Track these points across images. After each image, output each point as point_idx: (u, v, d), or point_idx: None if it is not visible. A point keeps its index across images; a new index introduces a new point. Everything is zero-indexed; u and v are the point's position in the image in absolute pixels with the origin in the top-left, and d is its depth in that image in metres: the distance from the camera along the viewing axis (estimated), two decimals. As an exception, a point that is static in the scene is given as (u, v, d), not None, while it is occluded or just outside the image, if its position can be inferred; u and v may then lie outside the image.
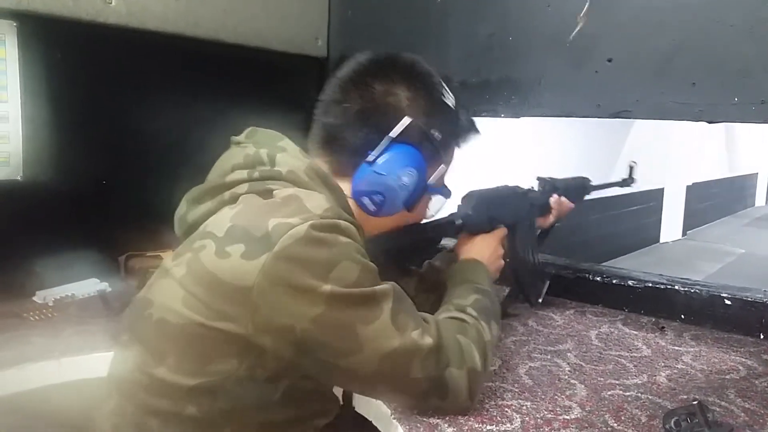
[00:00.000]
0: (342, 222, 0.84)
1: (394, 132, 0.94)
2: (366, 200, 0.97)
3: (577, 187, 1.54)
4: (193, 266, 0.84)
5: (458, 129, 1.04)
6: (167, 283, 0.87)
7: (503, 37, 1.66)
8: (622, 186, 1.66)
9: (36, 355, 1.16)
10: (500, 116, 1.68)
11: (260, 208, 0.85)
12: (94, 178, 1.61)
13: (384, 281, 0.87)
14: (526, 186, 1.45)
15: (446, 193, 1.08)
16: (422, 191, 1.00)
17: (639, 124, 6.32)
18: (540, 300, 1.50)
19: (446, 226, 1.26)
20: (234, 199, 0.89)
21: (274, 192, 0.87)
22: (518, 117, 1.67)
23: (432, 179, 1.01)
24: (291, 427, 0.90)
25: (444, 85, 1.02)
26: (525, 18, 1.63)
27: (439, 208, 1.12)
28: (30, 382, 1.13)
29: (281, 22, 1.91)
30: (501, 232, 1.28)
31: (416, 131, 0.96)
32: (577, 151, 5.51)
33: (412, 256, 1.26)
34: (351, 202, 0.97)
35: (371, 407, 1.06)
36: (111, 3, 1.54)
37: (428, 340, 0.87)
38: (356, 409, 1.11)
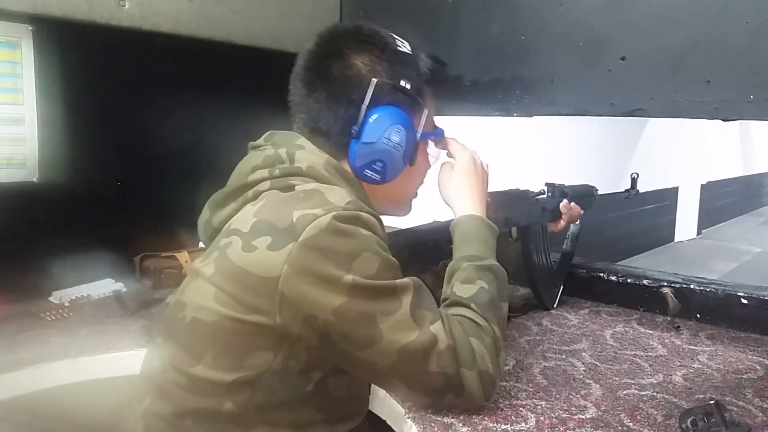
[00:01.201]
0: (364, 214, 0.86)
1: (366, 99, 0.95)
2: (369, 173, 0.99)
3: (584, 195, 1.55)
4: (221, 264, 0.86)
5: (423, 70, 1.03)
6: (198, 283, 0.89)
7: (515, 36, 1.65)
8: (626, 197, 1.66)
9: (53, 354, 1.17)
10: (513, 115, 1.68)
11: (283, 201, 0.87)
12: (109, 180, 1.63)
13: (405, 276, 0.89)
14: (534, 190, 1.46)
15: (439, 132, 1.10)
16: (416, 142, 1.02)
17: (653, 122, 6.28)
18: (554, 305, 1.52)
19: None
20: (256, 197, 0.91)
21: (296, 187, 0.89)
22: (531, 116, 1.66)
23: (420, 127, 1.02)
24: (319, 429, 0.91)
25: (394, 35, 1.02)
26: (537, 16, 1.63)
27: (439, 153, 1.13)
28: (47, 382, 1.14)
29: (293, 23, 1.92)
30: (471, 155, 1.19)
31: (386, 89, 0.97)
32: (591, 151, 5.49)
33: (431, 255, 1.26)
34: (364, 186, 1.00)
35: (385, 407, 1.06)
36: (124, 6, 1.55)
37: (444, 340, 0.88)
38: (371, 409, 1.11)
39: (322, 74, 0.97)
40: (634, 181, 1.65)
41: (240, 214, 0.90)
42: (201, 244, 1.68)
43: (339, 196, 0.87)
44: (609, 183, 6.11)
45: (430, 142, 1.10)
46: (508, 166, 4.46)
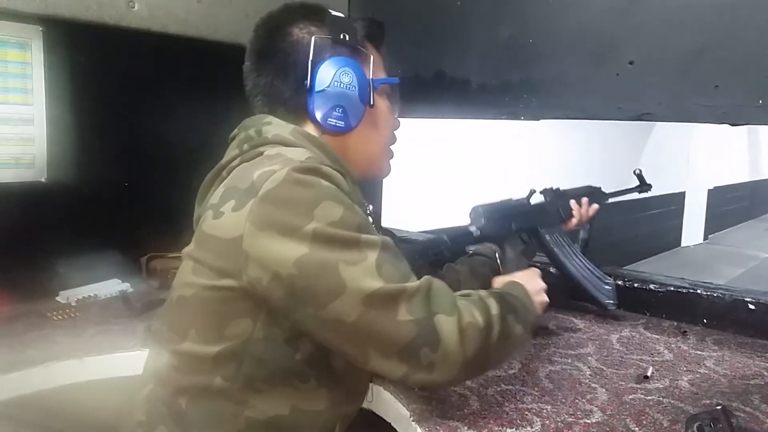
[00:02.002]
0: (323, 167, 0.86)
1: (310, 55, 0.98)
2: (332, 121, 0.99)
3: (588, 194, 1.53)
4: (198, 238, 0.89)
5: (361, 29, 1.05)
6: (183, 264, 0.92)
7: (523, 39, 1.65)
8: (640, 192, 1.64)
9: (60, 354, 1.18)
10: (520, 119, 1.67)
11: (248, 167, 0.89)
12: (117, 180, 1.63)
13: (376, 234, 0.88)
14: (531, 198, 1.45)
15: (394, 80, 1.10)
16: (369, 84, 1.03)
17: (659, 127, 6.26)
18: (616, 300, 1.47)
19: (463, 237, 1.27)
20: (229, 173, 0.93)
21: (263, 153, 0.91)
22: (538, 119, 1.66)
23: (370, 72, 1.04)
24: (318, 417, 0.91)
25: (320, 5, 1.06)
26: (545, 20, 1.63)
27: (398, 97, 1.12)
28: (54, 381, 1.14)
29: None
30: (535, 270, 1.20)
31: (327, 43, 1.00)
32: (597, 156, 5.47)
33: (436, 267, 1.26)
34: (335, 147, 1.00)
35: (390, 409, 1.06)
36: (134, 7, 1.56)
37: (415, 284, 0.85)
38: (375, 411, 1.11)
39: (265, 52, 1.01)
40: (640, 177, 1.65)
41: (215, 191, 0.92)
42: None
43: (299, 153, 0.89)
44: (615, 188, 6.10)
45: (388, 96, 1.10)
46: (512, 171, 4.46)
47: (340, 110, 1.00)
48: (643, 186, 1.65)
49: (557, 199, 1.48)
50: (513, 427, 0.94)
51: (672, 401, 1.05)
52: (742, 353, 1.28)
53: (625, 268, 1.61)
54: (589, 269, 1.48)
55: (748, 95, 1.31)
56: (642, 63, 1.45)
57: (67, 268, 1.48)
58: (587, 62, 1.54)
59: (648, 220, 6.83)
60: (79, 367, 1.18)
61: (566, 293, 1.53)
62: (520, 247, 1.35)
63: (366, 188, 2.22)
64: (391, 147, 1.12)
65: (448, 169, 3.73)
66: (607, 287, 1.47)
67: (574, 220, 1.48)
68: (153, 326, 0.97)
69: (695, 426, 0.90)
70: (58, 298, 1.46)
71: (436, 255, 1.25)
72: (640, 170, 1.66)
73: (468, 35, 1.78)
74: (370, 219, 0.98)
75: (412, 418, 0.98)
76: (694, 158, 7.56)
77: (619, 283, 1.56)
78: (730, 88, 1.33)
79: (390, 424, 1.07)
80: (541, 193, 1.48)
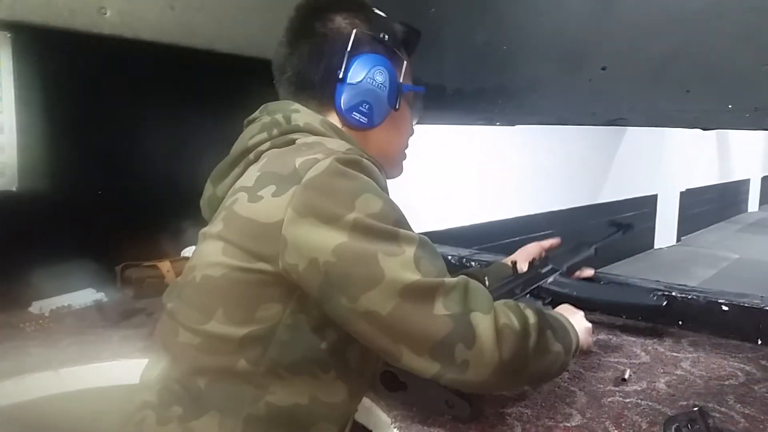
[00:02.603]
0: (364, 160, 0.88)
1: (349, 46, 0.99)
2: (356, 115, 1.01)
3: (582, 263, 1.54)
4: (228, 219, 0.87)
5: (399, 33, 1.08)
6: (206, 244, 0.90)
7: (498, 45, 1.67)
8: (624, 233, 1.66)
9: (33, 365, 1.16)
10: (496, 124, 1.69)
11: (286, 152, 0.89)
12: (90, 189, 1.61)
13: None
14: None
15: (421, 88, 1.13)
16: (398, 88, 1.05)
17: (632, 131, 6.35)
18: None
19: None
20: (258, 157, 0.93)
21: (297, 141, 0.92)
22: (513, 125, 1.67)
23: (402, 76, 1.06)
24: (334, 410, 0.90)
25: (366, 2, 1.08)
26: (519, 26, 1.64)
27: (421, 109, 1.15)
28: (28, 393, 1.12)
29: (277, 32, 1.91)
30: (575, 309, 1.17)
31: (367, 39, 1.01)
32: (571, 159, 5.53)
33: None
34: (353, 134, 1.01)
35: (371, 415, 1.06)
36: (106, 14, 1.54)
37: (453, 280, 0.83)
38: (355, 419, 1.11)
39: (304, 32, 1.02)
40: (615, 223, 1.67)
41: (245, 174, 0.92)
42: (186, 251, 1.68)
43: (339, 144, 0.91)
44: (589, 191, 6.19)
45: (410, 103, 1.12)
46: (488, 175, 4.49)
47: (367, 107, 1.01)
48: (624, 228, 1.67)
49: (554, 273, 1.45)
50: (494, 432, 0.95)
51: (650, 403, 1.06)
52: (716, 354, 1.30)
53: (599, 270, 1.62)
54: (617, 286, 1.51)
55: (719, 100, 1.34)
56: (614, 69, 1.47)
57: (39, 278, 1.45)
58: (561, 68, 1.56)
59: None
60: (54, 378, 1.15)
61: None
62: (536, 302, 1.32)
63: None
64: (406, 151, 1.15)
65: (433, 174, 3.75)
66: (643, 290, 1.48)
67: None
68: (167, 304, 0.94)
69: (673, 427, 0.91)
70: (31, 309, 1.43)
71: None
72: (611, 219, 1.69)
73: (443, 41, 1.79)
74: None
75: (393, 425, 0.97)
76: (666, 161, 7.68)
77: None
78: (701, 93, 1.36)
79: (371, 431, 1.07)
80: (534, 266, 1.45)
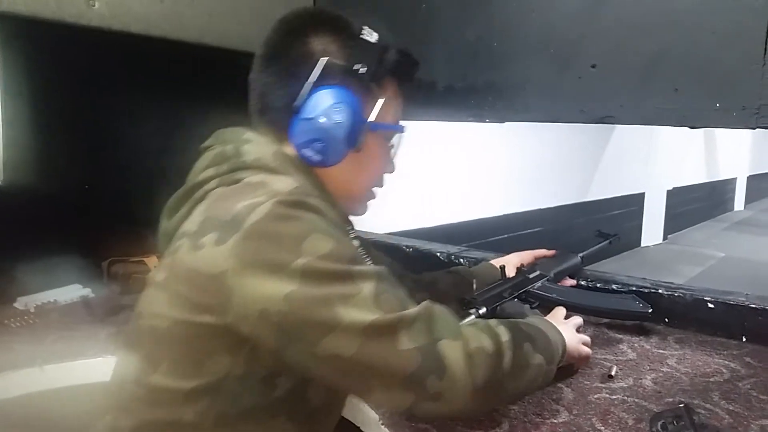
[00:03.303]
0: (310, 199, 0.82)
1: (313, 76, 0.92)
2: (309, 152, 0.94)
3: (568, 270, 1.54)
4: (172, 268, 0.84)
5: (388, 62, 0.98)
6: (152, 291, 0.87)
7: (489, 42, 1.67)
8: (611, 243, 1.67)
9: (18, 362, 1.15)
10: (486, 121, 1.69)
11: (229, 195, 0.85)
12: (77, 183, 1.60)
13: (369, 264, 0.84)
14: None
15: (399, 128, 1.04)
16: (361, 126, 0.95)
17: (620, 129, 6.38)
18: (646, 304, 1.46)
19: None
20: (204, 196, 0.89)
21: (243, 180, 0.87)
22: (503, 122, 1.68)
23: (372, 115, 0.97)
24: None
25: (365, 25, 0.99)
26: (510, 23, 1.64)
27: (398, 145, 1.06)
28: (12, 390, 1.11)
29: (267, 25, 1.90)
30: (566, 317, 1.19)
31: (336, 70, 0.93)
32: (558, 157, 5.55)
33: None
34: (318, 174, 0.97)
35: (358, 413, 1.06)
36: (94, 5, 1.52)
37: (414, 310, 0.80)
38: (343, 416, 1.10)
39: (278, 51, 0.96)
40: (602, 234, 1.69)
41: (190, 217, 0.87)
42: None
43: (284, 183, 0.84)
44: (577, 188, 6.22)
45: (392, 139, 1.05)
46: (477, 172, 4.50)
47: (320, 145, 0.93)
48: (610, 237, 1.67)
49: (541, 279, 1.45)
50: (482, 429, 0.95)
51: (636, 400, 1.06)
52: (702, 351, 1.31)
53: (587, 268, 1.63)
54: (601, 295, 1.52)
55: (707, 99, 1.34)
56: (604, 66, 1.48)
57: (25, 274, 1.44)
58: (551, 65, 1.56)
59: (608, 220, 6.95)
60: (39, 375, 1.14)
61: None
62: (524, 305, 1.33)
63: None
64: (378, 188, 1.07)
65: (413, 169, 3.75)
66: (628, 297, 1.48)
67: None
68: (116, 354, 0.92)
69: (659, 424, 0.92)
70: (16, 305, 1.42)
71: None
72: (598, 230, 1.70)
73: (434, 37, 1.79)
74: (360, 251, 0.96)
75: (381, 422, 0.97)
76: (653, 160, 7.72)
77: (582, 283, 1.58)
78: (690, 91, 1.36)
79: (359, 428, 1.07)
80: (522, 271, 1.45)
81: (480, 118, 1.69)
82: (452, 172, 4.18)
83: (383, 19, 1.88)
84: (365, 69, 0.94)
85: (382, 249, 1.99)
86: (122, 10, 1.58)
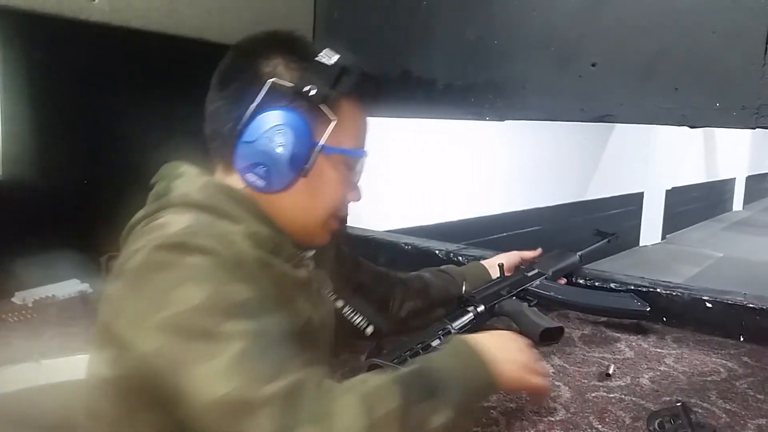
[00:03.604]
0: (198, 240, 0.76)
1: (258, 98, 0.88)
2: (252, 177, 0.89)
3: (566, 269, 1.54)
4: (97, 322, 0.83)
5: (344, 83, 0.91)
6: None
7: (489, 41, 1.67)
8: (609, 242, 1.67)
9: (16, 357, 1.15)
10: (485, 119, 1.69)
11: (135, 238, 0.83)
12: (76, 178, 1.59)
13: (259, 318, 0.74)
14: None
15: (356, 153, 0.96)
16: (309, 150, 0.89)
17: (619, 128, 6.38)
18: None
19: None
20: (127, 237, 0.87)
21: (156, 221, 0.83)
22: (503, 120, 1.67)
23: (324, 138, 0.90)
24: None
25: (321, 46, 0.93)
26: (510, 21, 1.64)
27: (361, 170, 0.99)
28: (10, 385, 1.11)
29: (267, 21, 1.90)
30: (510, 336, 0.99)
31: (284, 92, 0.88)
32: (557, 156, 5.55)
33: None
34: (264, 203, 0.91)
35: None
36: (94, 0, 1.52)
37: (275, 388, 0.68)
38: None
39: (229, 74, 0.93)
40: (600, 233, 1.68)
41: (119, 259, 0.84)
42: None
43: (179, 223, 0.79)
44: (576, 188, 6.22)
45: (354, 165, 0.97)
46: (476, 171, 4.50)
47: (263, 169, 0.88)
48: (608, 236, 1.68)
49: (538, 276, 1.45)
50: (479, 426, 0.95)
51: (633, 398, 1.07)
52: (700, 351, 1.31)
53: (585, 267, 1.63)
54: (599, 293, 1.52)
55: (707, 98, 1.34)
56: (604, 65, 1.48)
57: (23, 268, 1.43)
58: (551, 64, 1.56)
59: (607, 220, 6.95)
60: (37, 370, 1.14)
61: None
62: (522, 303, 1.32)
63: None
64: (339, 216, 0.99)
65: (412, 167, 3.75)
66: (626, 295, 1.48)
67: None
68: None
69: (656, 423, 0.92)
70: (13, 299, 1.42)
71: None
72: (597, 229, 1.70)
73: (434, 35, 1.79)
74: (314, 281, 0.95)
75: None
76: (652, 160, 7.72)
77: (581, 281, 1.58)
78: (690, 90, 1.37)
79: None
80: (520, 269, 1.46)
81: (480, 116, 1.69)
82: (451, 171, 4.18)
83: (383, 18, 1.90)
84: (315, 90, 0.88)
85: (380, 247, 2.00)
86: (122, 5, 1.57)
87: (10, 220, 1.45)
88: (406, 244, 1.95)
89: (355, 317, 1.05)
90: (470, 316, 1.23)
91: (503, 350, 0.89)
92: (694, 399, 1.07)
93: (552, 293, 1.39)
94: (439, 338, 1.12)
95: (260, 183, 0.89)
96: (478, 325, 1.24)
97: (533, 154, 5.13)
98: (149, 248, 0.75)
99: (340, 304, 1.04)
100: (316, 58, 0.90)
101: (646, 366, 1.22)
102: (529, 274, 1.42)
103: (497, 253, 1.60)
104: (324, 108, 0.89)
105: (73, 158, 1.58)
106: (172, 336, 0.71)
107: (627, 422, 0.98)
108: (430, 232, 3.60)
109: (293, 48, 0.92)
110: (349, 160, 0.95)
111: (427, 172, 3.89)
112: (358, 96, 0.94)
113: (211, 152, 0.95)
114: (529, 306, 1.31)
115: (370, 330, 1.06)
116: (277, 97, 0.88)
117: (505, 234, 4.78)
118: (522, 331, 1.26)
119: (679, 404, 0.95)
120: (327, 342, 1.02)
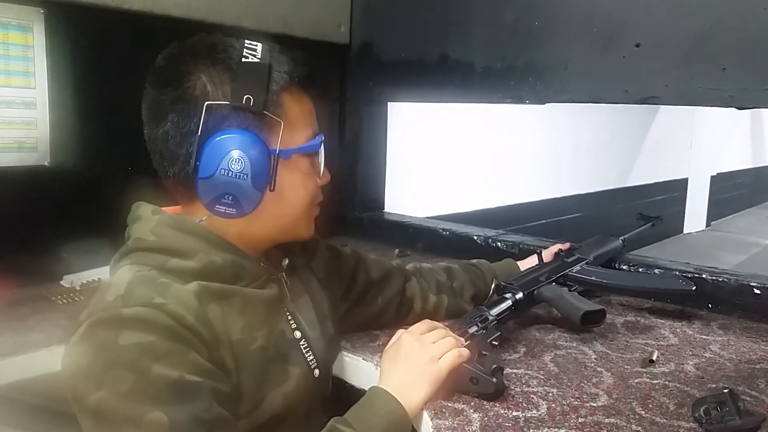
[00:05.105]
0: (128, 314, 0.75)
1: (199, 128, 0.83)
2: (221, 209, 0.86)
3: (608, 254, 1.52)
4: None
5: (280, 78, 0.87)
6: None
7: (529, 22, 1.64)
8: (653, 225, 1.65)
9: (64, 337, 1.17)
10: (525, 102, 1.66)
11: (94, 297, 0.83)
12: (120, 164, 1.63)
13: (189, 399, 0.73)
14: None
15: (312, 146, 0.93)
16: (268, 165, 0.86)
17: (663, 113, 6.23)
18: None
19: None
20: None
21: (105, 282, 0.84)
22: (543, 103, 1.65)
23: (278, 143, 0.87)
24: None
25: (247, 42, 0.89)
26: (551, 2, 1.61)
27: (322, 154, 0.96)
28: (58, 364, 1.13)
29: (305, 7, 1.91)
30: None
31: (223, 111, 0.84)
32: (599, 142, 5.45)
33: None
34: (232, 221, 0.89)
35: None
36: (135, -10, 1.54)
37: None
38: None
39: (160, 107, 0.88)
40: (643, 216, 1.67)
41: None
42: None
43: (118, 287, 0.78)
44: (618, 174, 6.10)
45: (311, 155, 0.95)
46: (516, 157, 4.45)
47: (230, 198, 0.85)
48: (652, 219, 1.64)
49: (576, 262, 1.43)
50: (519, 410, 0.94)
51: (678, 385, 1.04)
52: (747, 338, 1.28)
53: (629, 253, 1.60)
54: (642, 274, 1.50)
55: (755, 78, 1.30)
56: (649, 46, 1.44)
57: (70, 253, 1.47)
58: (593, 45, 1.53)
59: (650, 206, 6.82)
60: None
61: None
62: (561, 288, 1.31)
63: (367, 172, 2.22)
64: (317, 204, 0.98)
65: (452, 153, 3.72)
66: (670, 275, 1.45)
67: None
68: None
69: (702, 409, 0.90)
70: (62, 282, 1.46)
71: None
72: (640, 213, 1.68)
73: (472, 18, 1.77)
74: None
75: (417, 401, 0.97)
76: (697, 145, 7.54)
77: (624, 267, 1.55)
78: (738, 71, 1.32)
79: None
80: (560, 255, 1.45)
81: (519, 100, 1.67)
82: (490, 157, 4.14)
83: (419, 2, 1.88)
84: (252, 99, 0.84)
85: (418, 232, 1.99)
86: (163, -7, 1.59)
87: (58, 206, 1.49)
88: (444, 230, 1.94)
89: (308, 355, 0.99)
90: (508, 303, 1.21)
91: (401, 369, 0.95)
92: (741, 387, 1.04)
93: (593, 278, 1.37)
94: (476, 324, 1.12)
95: (231, 211, 0.86)
96: (518, 312, 1.23)
97: (574, 140, 5.05)
98: (87, 325, 0.75)
99: (298, 335, 0.98)
100: (242, 60, 0.86)
101: (690, 352, 1.19)
102: (569, 259, 1.40)
103: (538, 238, 1.58)
104: (267, 113, 0.86)
105: (117, 145, 1.61)
106: (102, 420, 0.71)
107: (671, 409, 0.96)
108: (469, 219, 3.58)
109: (214, 59, 0.86)
110: (309, 153, 0.93)
111: (465, 158, 3.86)
112: (296, 84, 0.90)
113: (169, 189, 0.93)
114: (570, 291, 1.30)
115: (317, 373, 1.00)
116: (217, 119, 0.84)
117: (545, 221, 4.73)
118: (563, 316, 1.25)
119: (726, 391, 0.93)
120: (312, 350, 1.00)
